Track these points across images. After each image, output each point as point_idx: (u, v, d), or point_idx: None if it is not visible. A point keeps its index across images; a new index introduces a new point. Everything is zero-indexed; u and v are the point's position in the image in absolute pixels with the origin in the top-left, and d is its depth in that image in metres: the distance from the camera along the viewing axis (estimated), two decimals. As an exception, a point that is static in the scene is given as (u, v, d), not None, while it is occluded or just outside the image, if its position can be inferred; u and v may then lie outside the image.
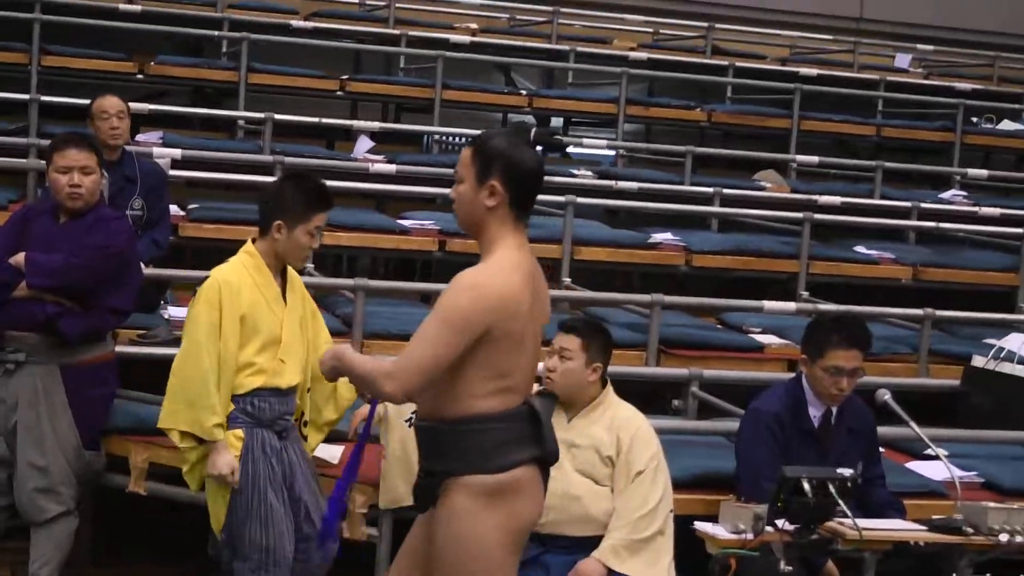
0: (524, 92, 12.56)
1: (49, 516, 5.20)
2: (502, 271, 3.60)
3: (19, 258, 5.21)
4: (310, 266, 7.62)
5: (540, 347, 3.78)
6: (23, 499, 5.22)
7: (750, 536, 4.45)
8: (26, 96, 9.47)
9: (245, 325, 4.57)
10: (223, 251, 7.94)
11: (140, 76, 10.83)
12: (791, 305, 7.45)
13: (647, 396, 5.97)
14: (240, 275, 4.62)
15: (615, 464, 4.87)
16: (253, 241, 4.72)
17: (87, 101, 6.54)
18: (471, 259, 3.78)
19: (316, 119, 10.35)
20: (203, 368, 4.51)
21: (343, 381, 4.47)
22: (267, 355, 4.61)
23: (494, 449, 3.60)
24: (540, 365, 4.94)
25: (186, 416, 4.53)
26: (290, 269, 4.78)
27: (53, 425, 5.20)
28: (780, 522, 4.40)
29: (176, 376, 4.60)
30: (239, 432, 4.57)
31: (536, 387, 3.82)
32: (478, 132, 10.22)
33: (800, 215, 8.78)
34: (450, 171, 9.30)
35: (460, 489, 3.60)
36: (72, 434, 5.24)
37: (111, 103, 6.37)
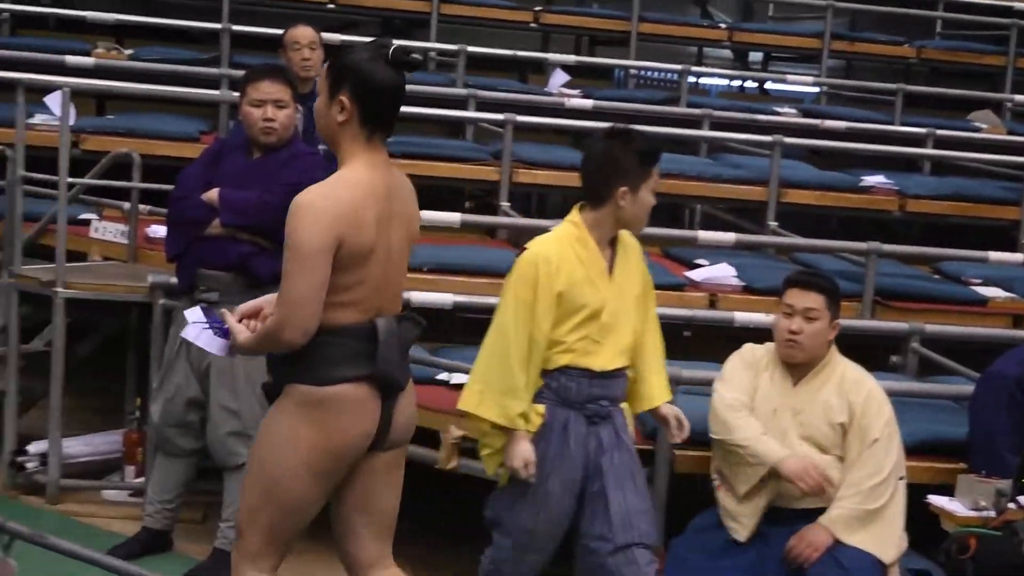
0: (722, 25, 12.10)
1: (241, 460, 5.03)
2: (335, 188, 3.59)
3: (212, 195, 5.04)
4: (505, 204, 7.39)
5: (401, 265, 3.74)
6: (215, 442, 5.08)
7: (992, 514, 4.09)
8: (218, 25, 9.36)
9: (563, 303, 4.17)
10: (416, 187, 7.83)
11: (331, 6, 10.66)
12: (1020, 256, 6.95)
13: (860, 351, 5.56)
14: (562, 249, 4.24)
15: (847, 431, 4.47)
16: (580, 209, 4.30)
17: (279, 31, 6.34)
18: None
19: (510, 51, 10.06)
20: (510, 351, 4.15)
21: (655, 381, 4.40)
22: (580, 334, 4.22)
23: (322, 363, 3.58)
24: (774, 320, 4.71)
25: (494, 405, 4.17)
26: (629, 239, 4.39)
27: (246, 367, 5.03)
28: (1024, 499, 4.03)
29: (484, 357, 4.24)
30: (540, 408, 4.22)
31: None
32: (676, 67, 10.15)
33: (1024, 159, 8.22)
34: (647, 107, 9.13)
35: (288, 395, 3.63)
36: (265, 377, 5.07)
37: (303, 33, 6.17)
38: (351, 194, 3.56)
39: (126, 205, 6.41)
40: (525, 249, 4.26)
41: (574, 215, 4.28)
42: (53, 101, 6.92)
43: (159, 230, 6.25)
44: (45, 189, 6.32)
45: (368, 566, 3.81)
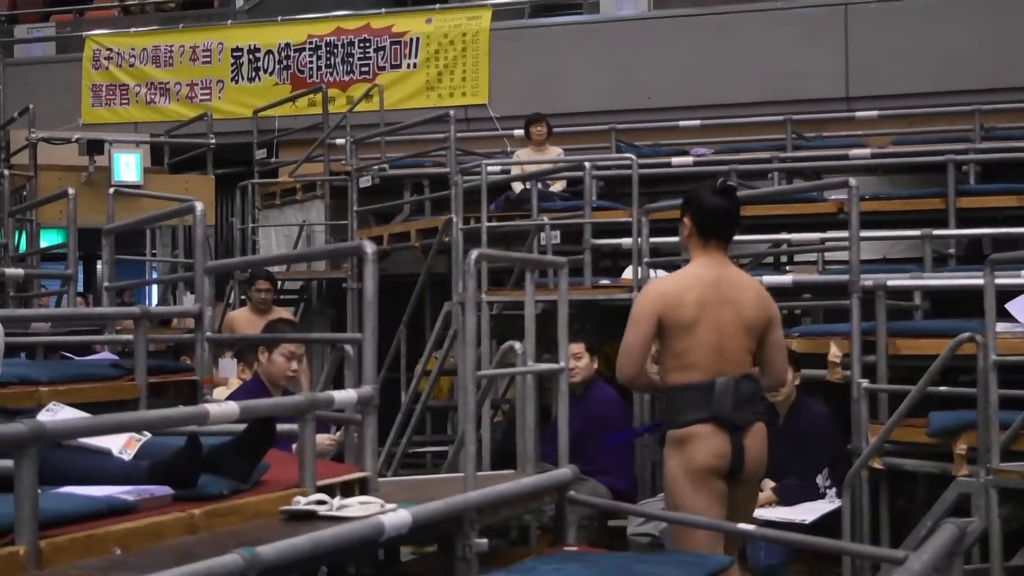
0: None
1: None
2: (671, 278, 5.28)
3: None
4: None
5: (738, 339, 5.08)
6: None
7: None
8: None
9: None
10: None
11: None
12: None
13: None
14: None
15: None
16: None
17: None
18: None
19: None
20: None
21: None
22: None
23: (678, 411, 5.03)
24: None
25: None
26: None
27: None
28: None
29: None
30: None
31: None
32: None
33: None
34: None
35: (667, 439, 5.11)
36: None
37: None
38: (676, 283, 5.14)
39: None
40: None
41: None
42: (1017, 308, 6.51)
43: None
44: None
45: None
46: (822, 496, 6.78)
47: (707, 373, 4.99)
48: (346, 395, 4.54)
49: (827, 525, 6.47)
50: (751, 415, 5.09)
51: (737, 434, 5.04)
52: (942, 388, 6.17)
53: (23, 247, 11.12)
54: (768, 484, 6.79)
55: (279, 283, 13.35)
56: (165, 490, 3.85)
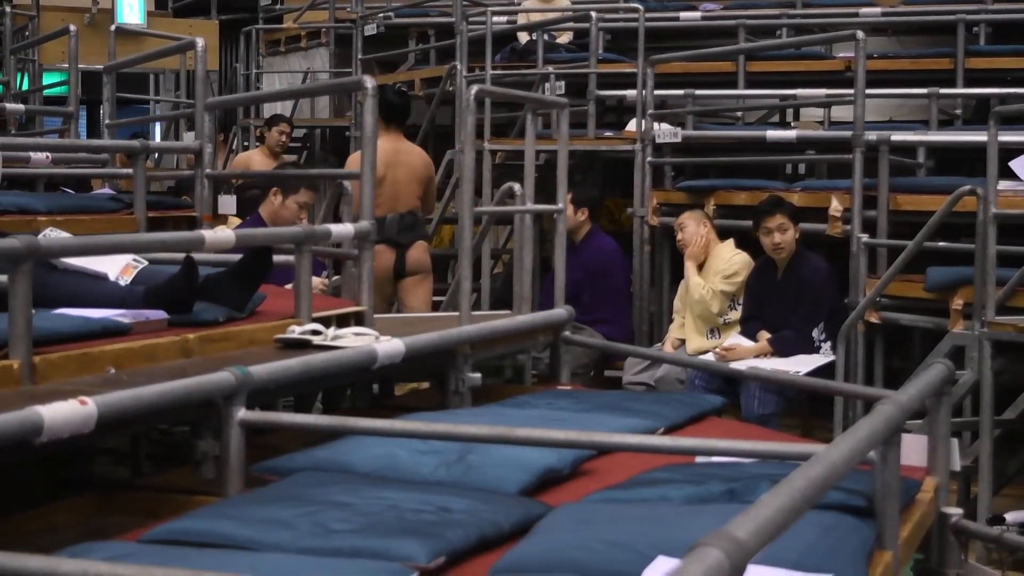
0: None
1: None
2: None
3: None
4: None
5: (407, 189, 7.58)
6: None
7: None
8: None
9: None
10: None
11: None
12: None
13: None
14: None
15: None
16: None
17: None
18: None
19: None
20: None
21: None
22: None
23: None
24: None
25: None
26: None
27: None
28: None
29: None
30: None
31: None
32: None
33: None
34: None
35: None
36: None
37: None
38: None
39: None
40: None
41: None
42: (1020, 165, 6.48)
43: None
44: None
45: None
46: (817, 350, 6.81)
47: (386, 210, 7.30)
48: (343, 229, 4.55)
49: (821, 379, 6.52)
50: (413, 236, 7.54)
51: (401, 250, 7.50)
52: (941, 244, 6.16)
53: (25, 86, 11.04)
54: (764, 335, 6.83)
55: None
56: (160, 314, 3.88)
